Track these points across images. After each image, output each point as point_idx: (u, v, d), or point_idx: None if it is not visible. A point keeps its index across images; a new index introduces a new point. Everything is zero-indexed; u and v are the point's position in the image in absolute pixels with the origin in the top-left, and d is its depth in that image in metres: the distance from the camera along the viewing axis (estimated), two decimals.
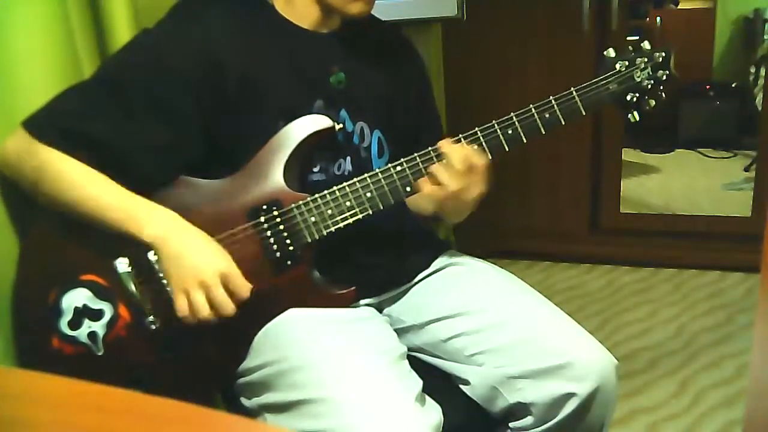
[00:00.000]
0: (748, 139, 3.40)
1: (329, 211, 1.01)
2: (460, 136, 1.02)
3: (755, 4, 3.80)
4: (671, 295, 2.41)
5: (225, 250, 0.97)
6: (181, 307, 0.94)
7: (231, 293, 0.95)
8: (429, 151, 1.02)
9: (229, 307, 0.94)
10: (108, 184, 0.95)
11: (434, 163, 1.01)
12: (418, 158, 1.02)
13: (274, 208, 1.01)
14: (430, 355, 1.14)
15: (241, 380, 1.04)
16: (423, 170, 1.01)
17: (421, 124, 1.23)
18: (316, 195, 1.01)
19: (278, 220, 1.01)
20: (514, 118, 1.02)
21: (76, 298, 0.98)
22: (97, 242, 0.98)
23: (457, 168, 0.99)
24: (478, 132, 1.01)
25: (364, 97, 1.12)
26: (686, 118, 3.77)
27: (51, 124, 0.96)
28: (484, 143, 1.02)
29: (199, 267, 0.93)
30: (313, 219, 1.01)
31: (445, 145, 1.01)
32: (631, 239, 2.66)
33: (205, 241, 0.96)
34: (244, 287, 0.95)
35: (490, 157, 1.03)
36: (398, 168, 1.01)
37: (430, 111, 1.28)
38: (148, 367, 1.00)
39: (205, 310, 0.94)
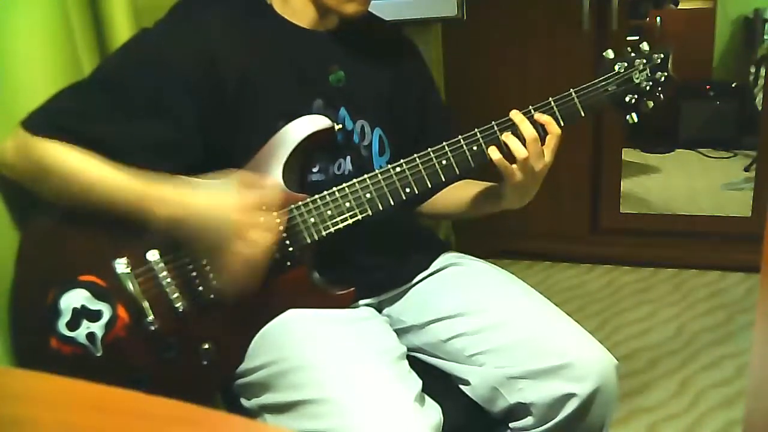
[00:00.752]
0: (748, 139, 3.40)
1: (329, 212, 1.01)
2: (460, 137, 1.02)
3: (755, 4, 3.80)
4: (671, 295, 2.41)
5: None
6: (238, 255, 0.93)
7: (268, 225, 0.94)
8: (443, 146, 1.00)
9: (274, 231, 0.94)
10: (111, 167, 0.94)
11: (480, 143, 1.00)
12: (433, 153, 1.01)
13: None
14: (430, 356, 1.14)
15: (241, 381, 1.04)
16: (423, 170, 1.01)
17: (431, 120, 1.22)
18: (316, 196, 1.01)
19: (278, 219, 1.01)
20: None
21: (75, 298, 0.98)
22: (95, 243, 0.98)
23: (528, 135, 0.98)
24: (478, 133, 1.01)
25: (364, 96, 1.12)
26: (686, 118, 3.78)
27: (48, 122, 0.96)
28: (483, 144, 1.01)
29: (223, 223, 0.92)
30: (312, 220, 1.01)
31: (516, 114, 1.00)
32: (631, 239, 2.66)
33: (214, 197, 0.94)
34: (273, 224, 0.94)
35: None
36: (398, 169, 1.01)
37: (437, 105, 1.27)
38: (147, 367, 1.00)
39: (257, 247, 0.93)
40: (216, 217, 0.93)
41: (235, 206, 0.93)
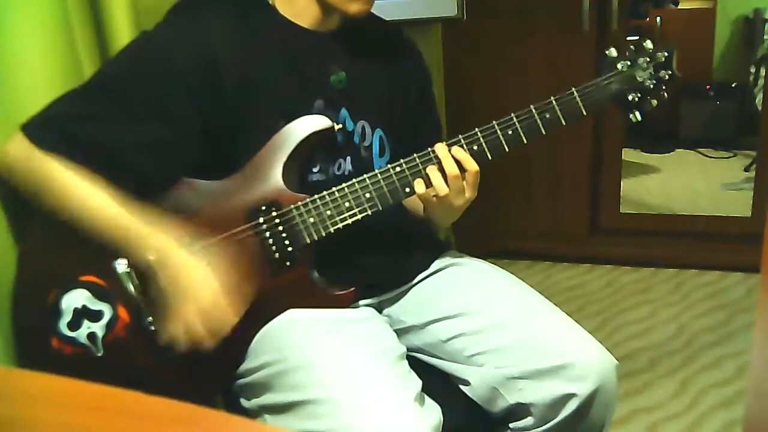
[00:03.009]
0: (748, 139, 3.40)
1: (328, 212, 1.01)
2: (460, 137, 1.02)
3: (755, 4, 3.79)
4: (671, 295, 2.41)
5: (223, 258, 0.97)
6: (166, 334, 0.96)
7: (211, 330, 0.95)
8: (429, 152, 1.02)
9: (204, 343, 0.95)
10: (108, 199, 0.95)
11: (433, 164, 1.01)
12: (417, 159, 1.02)
13: (273, 209, 1.01)
14: (429, 356, 1.14)
15: (241, 381, 1.04)
16: (422, 171, 1.01)
17: (421, 125, 1.23)
18: (315, 196, 1.01)
19: (277, 221, 1.01)
20: (514, 118, 1.02)
21: (76, 298, 0.98)
22: (96, 243, 0.98)
23: (447, 172, 1.00)
24: (478, 132, 1.01)
25: (365, 96, 1.12)
26: (686, 118, 3.77)
27: (51, 130, 0.96)
28: (483, 144, 1.01)
29: (183, 300, 0.94)
30: (312, 220, 1.01)
31: (440, 148, 1.01)
32: (631, 239, 2.66)
33: (195, 272, 0.95)
34: (222, 326, 0.95)
35: (490, 158, 1.03)
36: (397, 169, 1.01)
37: (429, 112, 1.27)
38: (147, 367, 1.00)
39: (181, 346, 0.95)
40: (190, 284, 0.94)
41: (212, 285, 0.95)
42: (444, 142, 1.02)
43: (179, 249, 0.96)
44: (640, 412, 1.80)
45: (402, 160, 1.01)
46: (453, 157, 1.01)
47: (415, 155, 1.02)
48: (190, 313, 0.94)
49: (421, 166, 1.02)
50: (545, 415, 1.04)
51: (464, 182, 1.02)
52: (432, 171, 1.01)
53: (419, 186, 1.02)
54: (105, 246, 0.96)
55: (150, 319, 0.98)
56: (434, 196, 1.02)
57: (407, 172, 1.01)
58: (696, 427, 1.73)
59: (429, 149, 1.02)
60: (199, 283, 0.95)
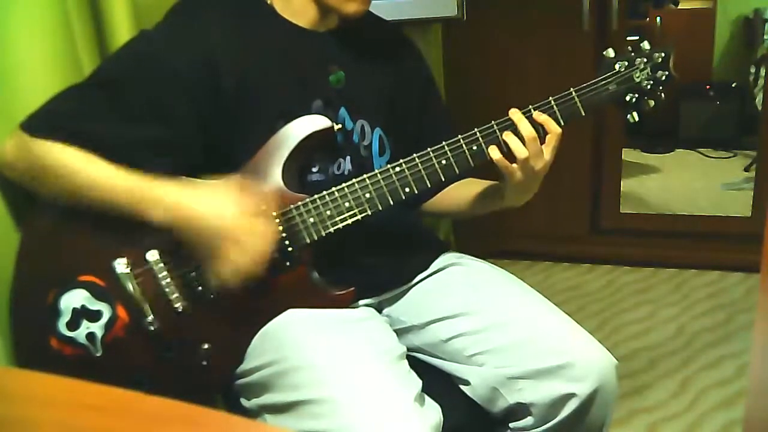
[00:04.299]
0: (748, 139, 3.40)
1: (328, 212, 1.01)
2: (460, 137, 1.02)
3: (755, 4, 3.79)
4: (671, 295, 2.41)
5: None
6: (221, 275, 0.94)
7: (256, 252, 0.94)
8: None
9: (255, 269, 0.94)
10: (110, 167, 0.94)
11: (479, 143, 1.00)
12: (432, 153, 1.01)
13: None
14: (429, 356, 1.14)
15: (241, 381, 1.04)
16: (422, 170, 1.01)
17: (431, 119, 1.22)
18: (315, 196, 1.01)
19: (277, 221, 1.01)
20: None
21: (75, 298, 0.98)
22: (95, 243, 0.98)
23: (527, 134, 0.98)
24: (477, 133, 1.01)
25: (364, 96, 1.12)
26: (686, 118, 3.77)
27: (47, 123, 0.96)
28: (483, 144, 1.01)
29: (218, 245, 0.93)
30: (311, 220, 1.01)
31: (515, 113, 1.00)
32: (631, 239, 2.66)
33: (211, 201, 0.94)
34: (266, 242, 0.94)
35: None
36: (397, 169, 1.01)
37: (436, 109, 1.27)
38: (147, 368, 1.00)
39: (235, 283, 0.94)
40: (212, 221, 0.93)
41: (231, 211, 0.93)
42: (516, 109, 1.00)
43: (194, 195, 0.94)
44: (640, 412, 1.80)
45: (402, 160, 1.01)
46: (533, 120, 0.99)
47: (429, 149, 1.00)
48: (230, 248, 0.92)
49: (435, 161, 1.00)
50: (545, 414, 1.04)
51: (543, 145, 1.00)
52: (508, 136, 0.99)
53: (494, 152, 1.00)
54: (103, 242, 0.96)
55: (150, 318, 0.98)
56: (514, 163, 1.00)
57: (407, 172, 1.01)
58: (696, 427, 1.73)
59: (460, 136, 1.00)
60: (225, 217, 0.93)
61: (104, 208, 0.94)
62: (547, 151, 1.01)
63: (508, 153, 1.00)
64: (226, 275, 0.94)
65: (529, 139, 0.99)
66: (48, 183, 0.96)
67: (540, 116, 0.99)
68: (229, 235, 0.93)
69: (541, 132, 1.00)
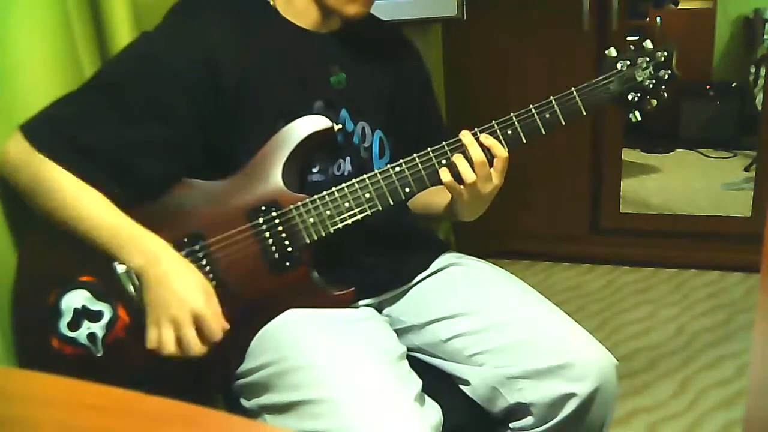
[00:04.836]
0: (748, 139, 3.40)
1: (328, 212, 1.01)
2: (429, 150, 1.02)
3: (755, 4, 3.79)
4: (671, 295, 2.41)
5: (222, 258, 0.97)
6: (151, 339, 0.94)
7: (203, 335, 0.94)
8: (450, 143, 1.01)
9: (196, 348, 0.93)
10: (100, 205, 0.95)
11: (448, 157, 1.01)
12: (432, 153, 1.01)
13: (273, 209, 1.01)
14: (429, 356, 1.14)
15: (241, 381, 1.04)
16: (422, 170, 1.01)
17: (422, 125, 1.22)
18: (315, 196, 1.01)
19: (277, 221, 1.01)
20: (513, 118, 1.02)
21: (76, 299, 0.98)
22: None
23: (474, 159, 0.99)
24: (478, 133, 1.01)
25: (365, 97, 1.12)
26: (686, 118, 3.77)
27: (50, 132, 0.96)
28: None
29: (174, 302, 0.92)
30: (311, 220, 1.01)
31: (466, 135, 1.00)
32: (631, 239, 2.66)
33: (188, 275, 0.95)
34: (217, 330, 0.94)
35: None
36: (397, 169, 1.01)
37: (431, 111, 1.27)
38: (147, 368, 1.00)
39: (170, 348, 0.93)
40: (179, 291, 0.93)
41: (200, 295, 0.94)
42: (466, 131, 1.01)
43: (171, 253, 0.95)
44: (640, 412, 1.80)
45: (402, 160, 1.01)
46: (481, 144, 1.00)
47: (415, 155, 1.01)
48: (180, 317, 0.92)
49: (442, 158, 1.01)
50: (545, 414, 1.04)
51: (492, 169, 1.01)
52: (458, 158, 1.00)
53: (444, 174, 1.00)
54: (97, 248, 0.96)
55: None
56: (462, 184, 1.01)
57: (407, 172, 1.01)
58: (696, 427, 1.73)
59: (444, 143, 1.01)
60: (192, 287, 0.94)
61: (86, 237, 0.94)
62: (496, 175, 1.02)
63: (458, 174, 1.01)
64: (155, 344, 0.94)
65: (478, 163, 0.99)
66: (36, 196, 0.96)
67: (487, 140, 1.00)
68: (191, 306, 0.93)
69: (489, 156, 1.00)
